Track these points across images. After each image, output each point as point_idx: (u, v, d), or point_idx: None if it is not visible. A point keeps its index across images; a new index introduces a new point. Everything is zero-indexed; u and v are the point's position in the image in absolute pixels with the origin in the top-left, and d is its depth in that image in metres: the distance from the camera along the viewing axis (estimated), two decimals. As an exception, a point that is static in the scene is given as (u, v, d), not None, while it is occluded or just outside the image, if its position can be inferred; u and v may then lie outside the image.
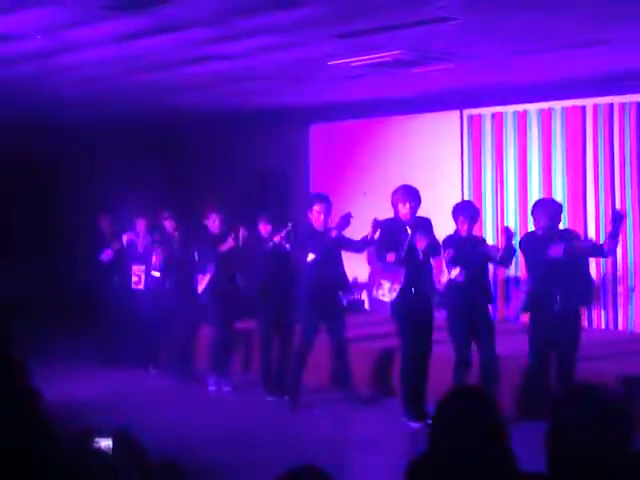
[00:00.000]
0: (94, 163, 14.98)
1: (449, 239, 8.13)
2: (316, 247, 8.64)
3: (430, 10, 6.91)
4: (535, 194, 11.33)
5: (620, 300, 10.80)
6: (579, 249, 7.93)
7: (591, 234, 10.91)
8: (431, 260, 8.34)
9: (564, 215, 11.08)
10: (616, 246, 8.25)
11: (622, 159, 10.76)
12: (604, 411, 2.78)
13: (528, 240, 8.21)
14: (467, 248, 7.99)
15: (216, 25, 7.37)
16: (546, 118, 11.30)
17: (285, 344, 9.48)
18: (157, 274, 10.53)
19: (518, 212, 11.54)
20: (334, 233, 8.58)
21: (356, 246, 8.82)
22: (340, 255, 8.85)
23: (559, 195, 11.13)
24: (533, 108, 11.44)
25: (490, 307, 8.37)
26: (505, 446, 2.99)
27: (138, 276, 10.66)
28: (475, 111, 11.96)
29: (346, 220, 8.58)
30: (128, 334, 10.70)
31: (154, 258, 10.53)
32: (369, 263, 11.53)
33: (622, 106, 10.74)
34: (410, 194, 8.29)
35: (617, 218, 8.05)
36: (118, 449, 2.73)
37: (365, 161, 13.03)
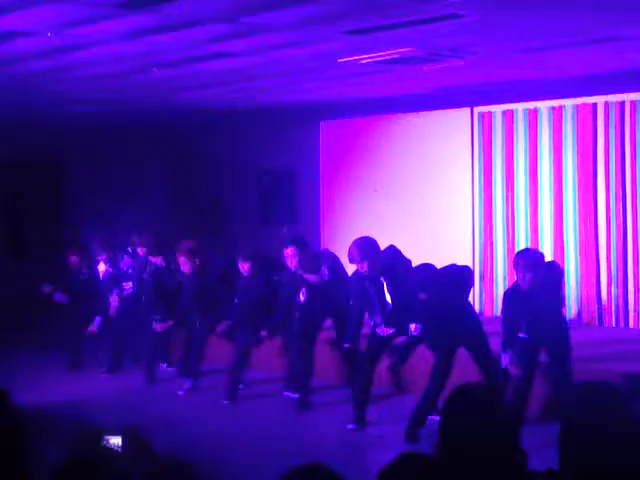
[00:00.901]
0: (103, 162, 15.00)
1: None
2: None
3: (440, 7, 6.88)
4: (546, 191, 11.30)
5: (631, 297, 10.77)
6: None
7: (601, 232, 10.89)
8: None
9: (575, 212, 11.09)
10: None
11: (633, 157, 10.70)
12: (615, 410, 2.76)
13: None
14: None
15: (226, 22, 7.34)
16: (557, 115, 11.25)
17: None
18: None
19: (528, 210, 11.49)
20: None
21: None
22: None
23: (569, 193, 11.10)
24: (544, 105, 11.39)
25: None
26: (512, 442, 2.96)
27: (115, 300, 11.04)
28: (486, 108, 11.92)
29: None
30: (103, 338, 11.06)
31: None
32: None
33: (634, 104, 10.68)
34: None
35: None
36: (127, 446, 2.72)
37: (375, 158, 13.00)
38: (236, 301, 9.64)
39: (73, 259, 11.29)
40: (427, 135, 12.44)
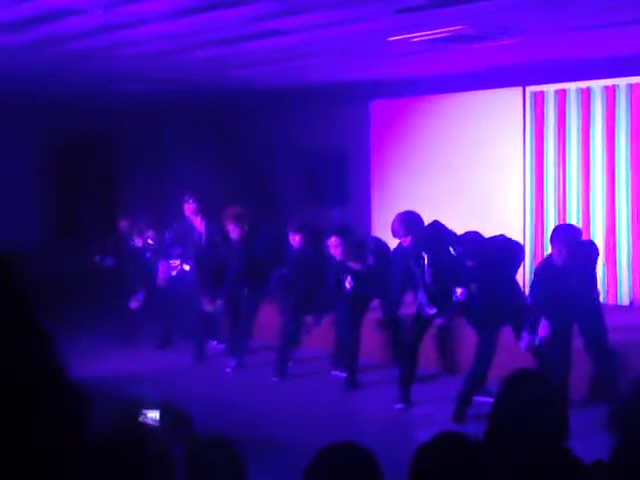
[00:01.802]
0: (156, 142, 15.09)
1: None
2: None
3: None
4: (598, 171, 11.15)
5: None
6: None
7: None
8: None
9: (628, 193, 10.93)
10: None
11: (689, 137, 10.54)
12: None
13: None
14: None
15: (276, 0, 7.32)
16: (610, 95, 11.08)
17: None
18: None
19: (580, 191, 11.35)
20: None
21: None
22: None
23: (622, 173, 10.94)
24: (597, 85, 11.23)
25: None
26: (563, 432, 2.94)
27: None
28: (538, 88, 11.78)
29: None
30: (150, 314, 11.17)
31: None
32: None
33: (689, 82, 10.51)
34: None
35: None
36: (165, 421, 2.73)
37: (426, 138, 12.92)
38: (289, 275, 9.58)
39: (123, 224, 11.36)
40: (478, 115, 12.33)
